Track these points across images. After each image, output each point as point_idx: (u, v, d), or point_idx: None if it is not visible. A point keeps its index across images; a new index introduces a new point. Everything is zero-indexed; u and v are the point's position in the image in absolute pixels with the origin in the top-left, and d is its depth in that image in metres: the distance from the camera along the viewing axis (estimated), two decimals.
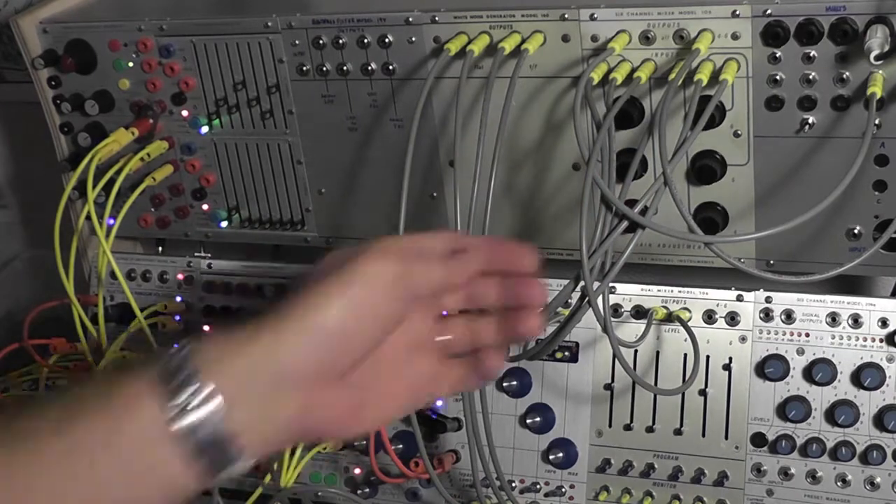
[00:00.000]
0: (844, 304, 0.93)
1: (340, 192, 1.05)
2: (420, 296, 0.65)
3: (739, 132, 0.89)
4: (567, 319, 0.85)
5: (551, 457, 1.00)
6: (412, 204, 0.91)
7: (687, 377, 0.95)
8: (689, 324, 0.95)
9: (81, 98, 1.07)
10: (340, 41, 0.96)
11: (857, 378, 0.93)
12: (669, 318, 0.96)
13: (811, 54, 0.84)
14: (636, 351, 0.97)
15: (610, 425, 0.99)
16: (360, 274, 0.62)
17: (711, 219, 0.93)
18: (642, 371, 0.97)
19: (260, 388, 0.60)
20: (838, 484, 0.94)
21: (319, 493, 1.11)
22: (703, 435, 0.97)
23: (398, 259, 0.64)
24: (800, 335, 0.94)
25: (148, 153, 1.06)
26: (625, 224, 0.78)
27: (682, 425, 0.97)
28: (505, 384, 1.01)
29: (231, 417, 0.59)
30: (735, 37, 0.85)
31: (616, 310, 0.97)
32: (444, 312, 0.69)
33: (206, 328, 1.08)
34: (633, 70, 0.87)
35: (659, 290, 0.97)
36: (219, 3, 1.14)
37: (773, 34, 0.84)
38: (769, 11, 0.84)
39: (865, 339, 0.92)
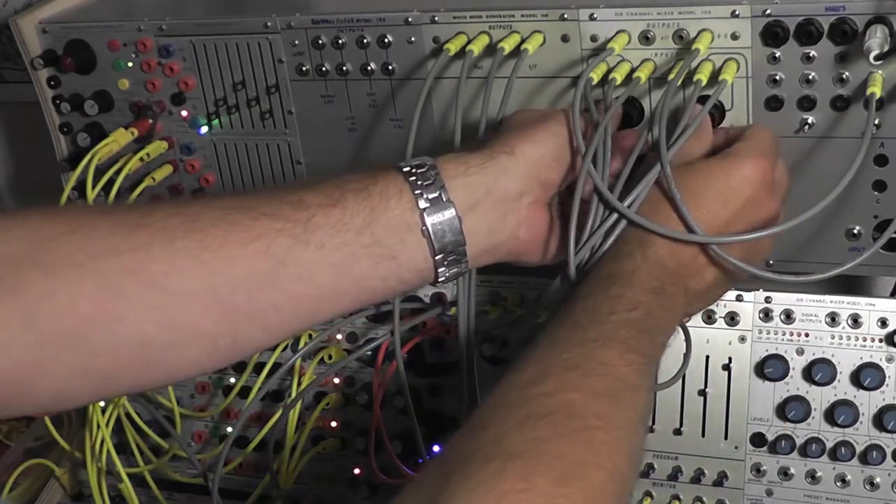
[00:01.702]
0: (844, 304, 0.93)
1: None
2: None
3: None
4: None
5: None
6: None
7: (686, 377, 0.95)
8: (688, 324, 0.94)
9: (81, 98, 1.07)
10: (340, 41, 0.96)
11: (856, 378, 0.93)
12: None
13: (811, 54, 0.84)
14: None
15: None
16: (558, 121, 0.81)
17: None
18: None
19: (488, 204, 0.76)
20: (838, 484, 0.94)
21: (319, 494, 1.11)
22: (703, 435, 0.97)
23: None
24: (799, 335, 0.94)
25: (147, 153, 1.06)
26: (614, 217, 0.78)
27: (681, 425, 0.97)
28: None
29: (464, 224, 0.74)
30: (734, 37, 0.85)
31: None
32: None
33: None
34: (633, 70, 0.87)
35: None
36: (218, 3, 1.14)
37: (772, 34, 0.84)
38: (769, 11, 0.84)
39: (865, 339, 0.92)
